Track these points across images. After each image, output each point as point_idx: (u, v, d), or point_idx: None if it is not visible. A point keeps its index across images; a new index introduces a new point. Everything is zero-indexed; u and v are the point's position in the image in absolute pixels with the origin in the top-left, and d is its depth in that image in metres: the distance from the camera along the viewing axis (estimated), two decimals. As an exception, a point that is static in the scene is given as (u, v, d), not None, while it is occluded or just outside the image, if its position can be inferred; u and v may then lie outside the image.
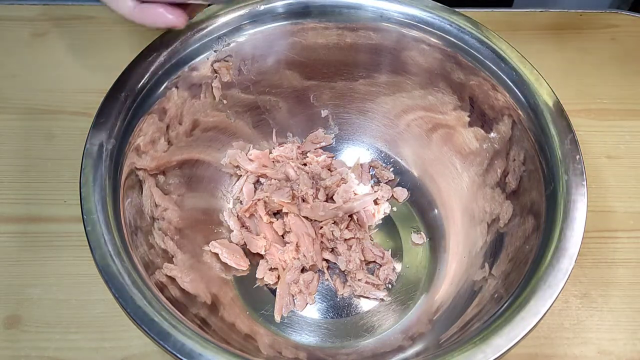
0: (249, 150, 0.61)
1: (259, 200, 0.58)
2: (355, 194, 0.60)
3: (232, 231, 0.59)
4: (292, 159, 0.62)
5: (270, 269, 0.57)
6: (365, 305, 0.57)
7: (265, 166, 0.61)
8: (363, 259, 0.57)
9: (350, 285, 0.57)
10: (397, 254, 0.59)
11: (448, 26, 0.52)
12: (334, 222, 0.58)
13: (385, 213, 0.61)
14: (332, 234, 0.57)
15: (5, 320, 0.54)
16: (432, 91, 0.57)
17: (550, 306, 0.41)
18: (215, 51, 0.53)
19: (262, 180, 0.61)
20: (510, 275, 0.47)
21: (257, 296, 0.56)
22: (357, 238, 0.58)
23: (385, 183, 0.63)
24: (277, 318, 0.55)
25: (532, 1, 0.80)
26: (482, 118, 0.55)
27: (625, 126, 0.67)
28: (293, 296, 0.56)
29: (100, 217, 0.43)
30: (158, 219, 0.52)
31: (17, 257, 0.57)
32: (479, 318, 0.45)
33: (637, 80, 0.69)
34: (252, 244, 0.57)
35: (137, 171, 0.50)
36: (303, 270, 0.57)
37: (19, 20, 0.72)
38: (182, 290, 0.50)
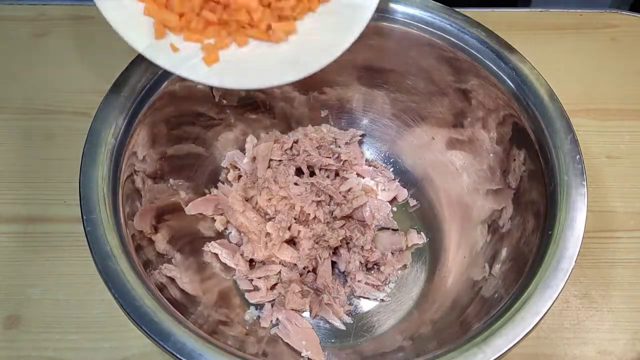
0: (255, 145, 0.61)
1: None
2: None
3: (231, 232, 0.59)
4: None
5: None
6: (365, 305, 0.57)
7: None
8: (363, 259, 0.57)
9: (350, 286, 0.57)
10: (397, 254, 0.59)
11: (448, 26, 0.52)
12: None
13: (385, 213, 0.61)
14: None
15: (5, 320, 0.54)
16: (432, 90, 0.57)
17: (550, 306, 0.41)
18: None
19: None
20: (510, 275, 0.47)
21: (257, 296, 0.56)
22: (357, 239, 0.58)
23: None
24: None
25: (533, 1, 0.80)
26: (482, 118, 0.55)
27: (625, 126, 0.67)
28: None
29: (100, 217, 0.43)
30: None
31: (17, 257, 0.57)
32: (479, 318, 0.45)
33: (637, 80, 0.69)
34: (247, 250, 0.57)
35: (137, 171, 0.50)
36: (304, 269, 0.57)
37: (19, 20, 0.72)
38: (182, 290, 0.50)
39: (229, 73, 0.42)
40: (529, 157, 0.50)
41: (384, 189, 0.62)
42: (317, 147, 0.60)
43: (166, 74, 0.51)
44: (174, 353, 0.39)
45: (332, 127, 0.63)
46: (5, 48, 0.70)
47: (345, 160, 0.60)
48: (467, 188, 0.58)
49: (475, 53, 0.52)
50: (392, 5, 0.53)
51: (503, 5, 0.74)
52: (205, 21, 0.42)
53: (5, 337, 0.53)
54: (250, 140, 0.61)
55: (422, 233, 0.60)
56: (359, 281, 0.56)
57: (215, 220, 0.58)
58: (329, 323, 0.55)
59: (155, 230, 0.51)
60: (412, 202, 0.62)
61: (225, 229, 0.59)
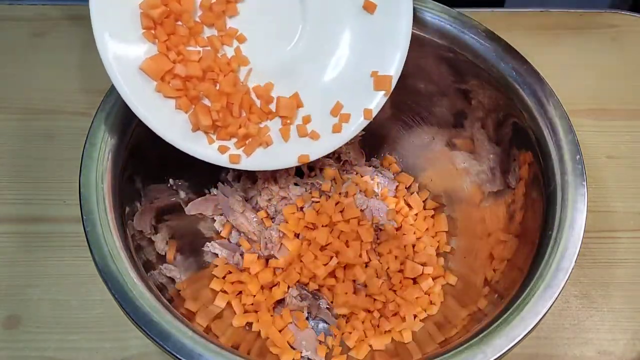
0: None
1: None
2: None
3: (231, 232, 0.59)
4: None
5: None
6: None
7: None
8: None
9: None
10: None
11: (448, 26, 0.52)
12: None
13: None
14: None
15: (5, 320, 0.54)
16: (432, 91, 0.57)
17: (550, 306, 0.41)
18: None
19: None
20: (510, 275, 0.47)
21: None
22: None
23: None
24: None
25: (529, 1, 0.80)
26: (482, 118, 0.55)
27: (625, 126, 0.67)
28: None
29: (100, 217, 0.43)
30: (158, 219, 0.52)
31: (17, 257, 0.57)
32: (478, 318, 0.45)
33: (638, 80, 0.69)
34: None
35: (137, 171, 0.50)
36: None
37: (19, 20, 0.72)
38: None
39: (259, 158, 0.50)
40: (529, 157, 0.50)
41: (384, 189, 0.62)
42: None
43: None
44: (174, 353, 0.39)
45: None
46: (5, 48, 0.70)
47: (346, 160, 0.60)
48: (467, 189, 0.58)
49: (475, 53, 0.52)
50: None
51: (499, 5, 0.74)
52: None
53: (5, 337, 0.53)
54: None
55: (422, 234, 0.60)
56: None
57: (215, 220, 0.58)
58: (328, 323, 0.55)
59: (155, 230, 0.51)
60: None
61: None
